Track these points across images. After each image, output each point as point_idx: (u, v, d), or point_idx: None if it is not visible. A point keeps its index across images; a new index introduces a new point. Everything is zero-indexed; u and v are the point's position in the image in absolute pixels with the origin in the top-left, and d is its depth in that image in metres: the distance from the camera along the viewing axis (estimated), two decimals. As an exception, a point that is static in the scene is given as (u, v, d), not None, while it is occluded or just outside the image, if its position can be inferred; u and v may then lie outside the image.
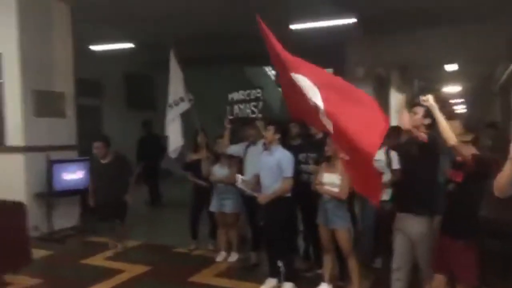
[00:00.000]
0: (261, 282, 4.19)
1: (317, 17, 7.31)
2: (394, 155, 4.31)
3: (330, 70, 11.54)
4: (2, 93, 5.95)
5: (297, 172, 4.21)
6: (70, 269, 4.81)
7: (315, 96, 3.34)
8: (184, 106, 5.31)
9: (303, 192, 4.16)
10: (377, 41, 8.90)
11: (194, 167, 5.25)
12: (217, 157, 5.01)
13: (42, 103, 6.13)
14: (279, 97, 4.57)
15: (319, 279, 4.07)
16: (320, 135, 4.36)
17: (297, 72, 3.47)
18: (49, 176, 5.90)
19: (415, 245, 3.28)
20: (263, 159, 4.20)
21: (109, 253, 5.31)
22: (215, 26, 7.92)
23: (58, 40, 6.42)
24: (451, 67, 11.04)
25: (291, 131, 4.55)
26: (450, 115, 3.79)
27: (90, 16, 7.08)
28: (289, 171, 4.04)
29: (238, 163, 4.79)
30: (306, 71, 3.47)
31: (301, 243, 4.82)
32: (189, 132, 5.44)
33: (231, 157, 4.83)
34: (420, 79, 12.95)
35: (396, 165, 4.31)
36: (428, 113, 3.15)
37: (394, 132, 5.07)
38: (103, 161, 5.15)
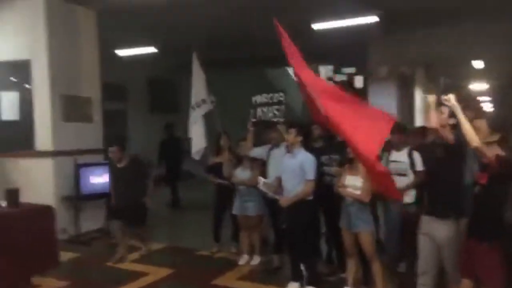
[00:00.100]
0: (284, 285, 4.19)
1: (339, 16, 7.25)
2: (417, 156, 4.23)
3: (352, 70, 11.52)
4: (32, 99, 6.13)
5: (320, 174, 4.19)
6: (96, 272, 4.91)
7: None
8: (206, 108, 5.37)
9: (326, 194, 4.13)
10: (400, 39, 8.75)
11: (216, 170, 5.29)
12: (239, 160, 5.04)
13: (70, 108, 6.29)
14: (301, 99, 4.56)
15: (343, 283, 4.04)
16: (341, 138, 4.30)
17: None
18: (76, 180, 6.05)
19: (441, 249, 3.21)
20: (285, 161, 4.20)
21: (134, 255, 5.39)
22: (237, 29, 7.96)
23: (84, 46, 6.58)
24: (478, 64, 10.75)
25: (313, 133, 4.52)
26: (477, 114, 3.70)
27: (115, 22, 7.24)
28: (311, 174, 4.02)
29: (260, 166, 4.80)
30: (308, 79, 3.52)
31: (323, 247, 4.78)
32: (211, 134, 5.49)
33: (253, 159, 4.85)
34: (446, 77, 12.65)
35: (419, 166, 4.23)
36: (453, 113, 3.08)
37: (420, 132, 4.99)
38: (119, 165, 5.13)
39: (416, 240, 3.39)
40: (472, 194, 3.12)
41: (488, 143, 2.95)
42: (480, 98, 17.56)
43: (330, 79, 11.85)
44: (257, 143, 4.86)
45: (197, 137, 5.42)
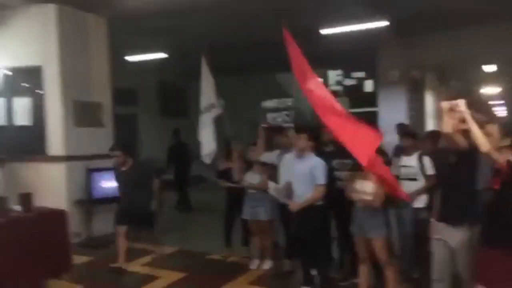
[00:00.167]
0: (295, 290, 4.17)
1: (349, 22, 7.24)
2: (427, 160, 4.21)
3: (361, 74, 11.49)
4: (44, 104, 6.21)
5: (331, 179, 4.17)
6: (109, 275, 4.93)
7: None
8: (216, 112, 5.40)
9: (337, 199, 4.12)
10: (410, 43, 8.71)
11: (227, 175, 5.30)
12: (249, 165, 5.04)
13: (81, 113, 6.36)
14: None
15: (355, 288, 4.01)
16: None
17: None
18: (88, 184, 6.10)
19: (456, 255, 3.18)
20: (296, 166, 4.19)
21: (146, 259, 5.42)
22: (246, 33, 7.99)
23: (95, 52, 6.66)
24: (489, 68, 10.64)
25: (323, 137, 4.52)
26: (488, 118, 3.66)
27: (125, 28, 7.31)
28: (321, 179, 4.02)
29: (269, 170, 4.79)
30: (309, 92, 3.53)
31: (335, 251, 4.76)
32: (221, 139, 5.51)
33: (264, 164, 4.85)
34: (457, 81, 12.55)
35: (430, 170, 4.21)
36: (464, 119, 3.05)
37: (432, 137, 4.97)
38: (123, 169, 5.02)
39: (430, 245, 3.36)
40: (485, 200, 3.09)
41: (500, 148, 2.92)
42: (492, 102, 17.37)
43: (339, 83, 11.90)
44: (268, 148, 4.86)
45: (207, 141, 5.44)
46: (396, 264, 3.90)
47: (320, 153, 4.22)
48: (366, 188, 3.74)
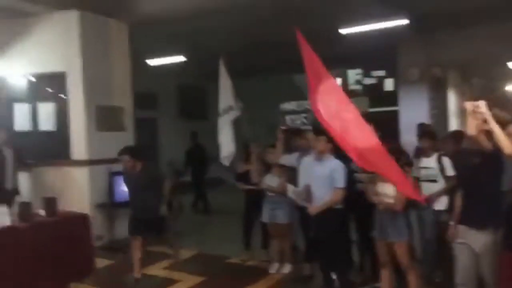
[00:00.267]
0: (315, 294, 4.15)
1: (367, 21, 7.16)
2: (446, 161, 4.14)
3: (381, 73, 11.33)
4: (67, 110, 6.35)
5: (351, 181, 4.13)
6: (130, 279, 4.99)
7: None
8: (234, 114, 5.41)
9: (357, 201, 4.07)
10: (431, 41, 8.54)
11: (246, 178, 5.31)
12: (268, 167, 5.04)
13: (103, 118, 6.47)
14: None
15: (376, 293, 3.96)
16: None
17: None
18: (110, 188, 6.21)
19: (480, 259, 3.10)
20: (315, 169, 4.17)
21: (165, 263, 5.46)
22: (264, 35, 7.98)
23: (117, 57, 6.77)
24: (515, 65, 10.31)
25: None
26: (512, 117, 3.56)
27: (145, 33, 7.41)
28: (341, 182, 3.98)
29: (288, 173, 4.78)
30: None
31: (355, 255, 4.71)
32: (240, 141, 5.53)
33: (283, 166, 4.84)
34: (481, 78, 12.22)
35: (450, 171, 4.14)
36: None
37: (454, 137, 4.86)
38: (133, 173, 4.88)
39: (452, 248, 3.29)
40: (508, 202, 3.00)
41: None
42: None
43: (358, 82, 11.77)
44: (286, 150, 4.85)
45: (226, 143, 5.46)
46: (418, 268, 3.84)
47: (339, 155, 4.17)
48: (387, 191, 3.69)
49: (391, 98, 10.07)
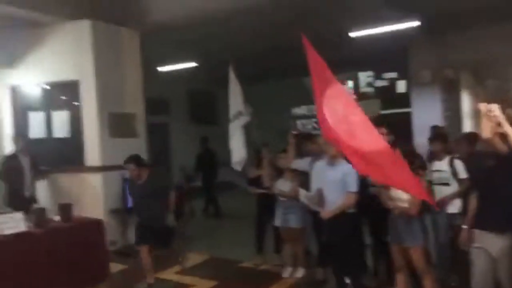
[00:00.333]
0: (329, 299, 4.13)
1: (378, 23, 7.13)
2: (459, 164, 4.09)
3: (393, 75, 11.25)
4: (81, 117, 6.43)
5: (364, 185, 4.10)
6: (144, 283, 5.02)
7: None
8: (244, 119, 5.43)
9: (370, 205, 4.05)
10: (442, 42, 8.47)
11: (258, 182, 5.32)
12: (279, 172, 5.04)
13: (116, 124, 6.54)
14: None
15: (390, 297, 3.92)
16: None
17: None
18: (123, 193, 6.26)
19: (497, 263, 3.05)
20: (327, 173, 4.16)
21: (178, 267, 5.48)
22: (274, 39, 8.00)
23: (128, 65, 6.85)
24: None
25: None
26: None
27: (156, 40, 7.49)
28: (353, 186, 3.96)
29: (300, 177, 4.77)
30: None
31: (369, 259, 4.67)
32: (250, 146, 5.54)
33: (295, 171, 4.83)
34: (494, 80, 12.05)
35: (462, 174, 4.09)
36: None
37: (468, 139, 4.80)
38: (139, 182, 4.81)
39: (466, 252, 3.25)
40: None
41: None
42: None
43: (370, 85, 11.70)
44: (297, 155, 4.84)
45: (237, 149, 5.48)
46: (433, 272, 3.79)
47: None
48: (401, 195, 3.66)
49: (403, 100, 10.00)
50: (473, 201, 3.29)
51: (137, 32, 6.97)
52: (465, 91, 9.80)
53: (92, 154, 6.35)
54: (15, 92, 6.81)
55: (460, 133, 7.44)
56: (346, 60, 9.44)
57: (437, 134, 5.04)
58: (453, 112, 9.12)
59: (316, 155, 4.57)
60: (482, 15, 7.23)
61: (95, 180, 6.32)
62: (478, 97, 9.41)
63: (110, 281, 4.72)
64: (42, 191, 6.27)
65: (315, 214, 4.40)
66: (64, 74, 6.43)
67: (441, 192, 4.19)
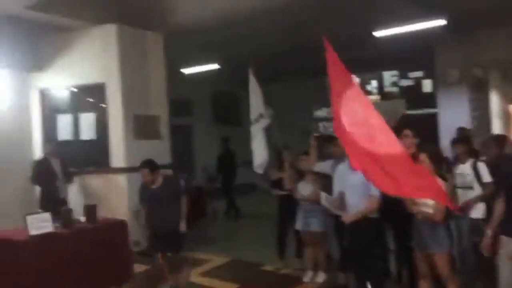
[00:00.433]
0: (350, 304, 4.08)
1: (403, 22, 7.00)
2: (482, 167, 3.97)
3: (419, 74, 11.01)
4: (107, 119, 6.58)
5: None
6: (166, 284, 5.09)
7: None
8: (265, 122, 5.43)
9: (394, 210, 3.97)
10: (470, 41, 8.25)
11: (280, 185, 5.31)
12: (301, 174, 5.01)
13: (140, 126, 6.67)
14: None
15: (414, 304, 3.84)
16: (412, 150, 4.16)
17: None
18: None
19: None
20: (349, 177, 4.10)
21: (199, 269, 5.52)
22: (298, 39, 7.96)
23: (153, 68, 6.97)
24: None
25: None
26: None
27: (180, 43, 7.59)
28: (375, 189, 3.87)
29: (322, 180, 4.74)
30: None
31: (393, 265, 4.59)
32: (272, 148, 5.54)
33: (317, 174, 4.80)
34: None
35: (486, 178, 3.98)
36: None
37: (497, 141, 4.66)
38: (153, 187, 4.68)
39: (491, 258, 3.16)
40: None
41: None
42: None
43: (395, 84, 11.48)
44: (319, 157, 4.81)
45: (258, 151, 5.48)
46: (458, 279, 3.69)
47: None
48: (426, 200, 3.58)
49: (430, 100, 9.77)
50: (499, 206, 3.20)
51: (162, 35, 7.08)
52: (494, 91, 9.50)
53: (117, 155, 6.49)
54: (44, 95, 7.04)
55: (489, 134, 7.23)
56: (370, 59, 9.31)
57: (459, 137, 4.91)
58: (481, 112, 8.86)
59: (338, 158, 4.52)
60: (511, 12, 6.98)
61: (120, 181, 6.45)
62: (507, 97, 9.12)
63: (133, 281, 4.79)
64: (71, 193, 6.43)
65: (337, 218, 4.36)
66: (91, 77, 6.60)
67: (465, 196, 4.09)
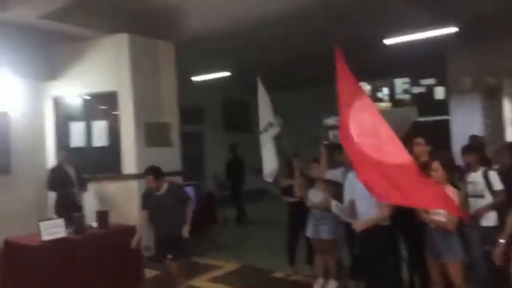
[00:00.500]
0: (361, 313, 4.04)
1: (414, 30, 6.98)
2: (493, 175, 3.93)
3: (431, 81, 10.94)
4: (118, 127, 6.65)
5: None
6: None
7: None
8: (274, 131, 5.44)
9: (406, 218, 3.94)
10: (482, 48, 8.18)
11: (290, 192, 5.31)
12: (311, 182, 5.01)
13: (151, 133, 6.74)
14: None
15: (426, 313, 3.79)
16: (424, 158, 4.14)
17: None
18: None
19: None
20: (359, 184, 4.07)
21: (210, 275, 5.53)
22: (309, 47, 7.98)
23: (164, 76, 7.05)
24: None
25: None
26: None
27: (191, 51, 7.67)
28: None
29: (333, 188, 4.72)
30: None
31: (405, 273, 4.54)
32: (282, 156, 5.55)
33: (327, 181, 4.79)
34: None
35: (498, 186, 3.94)
36: None
37: (509, 149, 4.61)
38: (158, 193, 4.71)
39: (504, 267, 3.11)
40: None
41: None
42: None
43: (406, 91, 11.42)
44: (328, 165, 4.80)
45: (268, 160, 5.49)
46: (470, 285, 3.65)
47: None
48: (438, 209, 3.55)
49: (442, 107, 9.70)
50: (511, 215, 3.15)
51: (173, 44, 7.17)
52: (507, 98, 9.39)
53: (129, 162, 6.56)
54: (57, 103, 7.15)
55: (502, 142, 7.14)
56: (381, 66, 9.28)
57: (469, 145, 4.87)
58: (494, 120, 8.76)
59: (349, 166, 4.50)
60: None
61: (131, 188, 6.51)
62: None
63: (144, 286, 4.82)
64: (86, 199, 6.48)
65: (347, 225, 4.34)
66: (103, 86, 6.70)
67: (476, 204, 4.05)
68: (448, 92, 9.63)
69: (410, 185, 3.02)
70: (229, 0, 5.73)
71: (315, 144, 4.84)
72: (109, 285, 4.47)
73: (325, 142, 4.76)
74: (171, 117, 7.09)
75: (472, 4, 6.27)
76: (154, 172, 4.69)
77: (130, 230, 4.94)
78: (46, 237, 4.16)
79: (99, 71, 6.74)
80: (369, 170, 3.19)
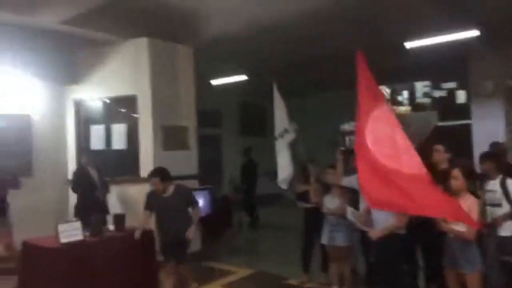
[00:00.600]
0: (376, 322, 3.98)
1: (435, 33, 6.86)
2: (511, 184, 3.83)
3: (452, 85, 10.74)
4: (137, 130, 6.71)
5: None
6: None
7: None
8: (290, 137, 5.42)
9: (423, 227, 3.88)
10: (505, 52, 8.00)
11: (305, 197, 5.28)
12: (327, 188, 4.97)
13: (169, 137, 6.80)
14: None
15: (443, 325, 3.71)
16: (444, 166, 4.06)
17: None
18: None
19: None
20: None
21: (223, 280, 5.53)
22: (329, 50, 7.91)
23: (183, 80, 7.11)
24: None
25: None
26: None
27: (209, 54, 7.71)
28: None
29: (349, 194, 4.68)
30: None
31: (422, 283, 4.46)
32: (297, 162, 5.52)
33: (343, 188, 4.75)
34: None
35: None
36: None
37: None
38: (164, 195, 4.75)
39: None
40: None
41: None
42: None
43: (427, 95, 11.22)
44: (344, 171, 4.76)
45: (283, 166, 5.47)
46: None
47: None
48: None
49: (463, 111, 9.51)
50: None
51: (191, 48, 7.23)
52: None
53: (147, 165, 6.60)
54: (78, 106, 7.29)
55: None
56: (402, 69, 9.15)
57: (487, 152, 4.73)
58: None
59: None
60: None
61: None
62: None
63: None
64: (110, 201, 6.57)
65: (362, 233, 4.29)
66: (123, 89, 6.79)
67: (493, 213, 3.95)
68: (469, 96, 9.43)
69: (424, 196, 2.96)
70: (246, 4, 5.73)
71: (332, 149, 4.80)
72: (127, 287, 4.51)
73: (341, 148, 4.73)
74: (188, 120, 7.15)
75: (494, 8, 6.13)
76: (160, 174, 4.74)
77: (146, 234, 5.00)
78: (64, 239, 4.24)
79: (119, 75, 6.84)
80: (379, 179, 3.15)
